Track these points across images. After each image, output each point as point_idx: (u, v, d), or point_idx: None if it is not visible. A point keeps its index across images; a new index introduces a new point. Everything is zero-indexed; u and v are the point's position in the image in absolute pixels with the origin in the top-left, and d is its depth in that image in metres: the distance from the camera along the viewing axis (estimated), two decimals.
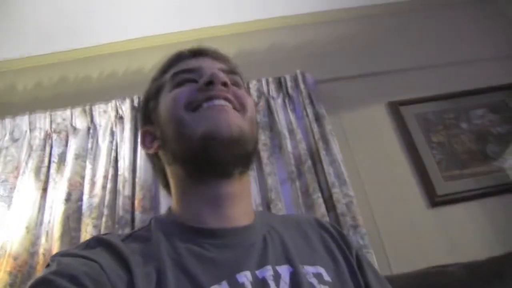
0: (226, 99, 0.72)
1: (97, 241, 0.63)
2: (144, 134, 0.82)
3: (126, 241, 0.65)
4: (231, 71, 0.81)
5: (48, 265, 0.58)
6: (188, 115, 0.71)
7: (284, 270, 0.64)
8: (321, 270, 0.68)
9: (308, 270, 0.66)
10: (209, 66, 0.78)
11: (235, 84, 0.79)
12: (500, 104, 2.09)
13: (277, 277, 0.62)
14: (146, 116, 0.83)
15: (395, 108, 2.06)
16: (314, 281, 0.64)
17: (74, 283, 0.52)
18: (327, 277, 0.67)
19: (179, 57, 0.83)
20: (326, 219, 1.64)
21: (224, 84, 0.73)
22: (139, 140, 1.85)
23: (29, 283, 0.54)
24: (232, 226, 0.70)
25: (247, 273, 0.61)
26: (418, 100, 2.09)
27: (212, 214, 0.70)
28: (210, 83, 0.72)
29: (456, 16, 2.50)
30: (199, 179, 0.72)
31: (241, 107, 0.74)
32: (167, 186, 0.81)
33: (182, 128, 0.70)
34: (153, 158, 0.84)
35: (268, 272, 0.62)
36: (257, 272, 0.62)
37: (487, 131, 2.00)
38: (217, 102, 0.71)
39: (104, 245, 0.62)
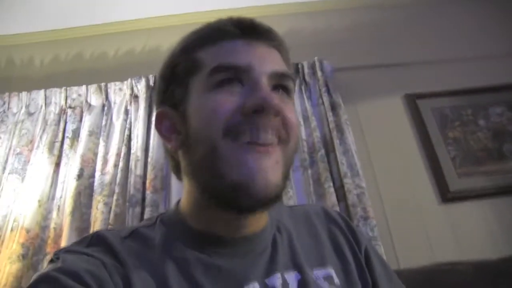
0: (273, 131, 0.60)
1: (99, 239, 0.61)
2: (161, 116, 0.68)
3: (129, 240, 0.62)
4: (285, 74, 0.65)
5: (51, 260, 0.57)
6: (225, 144, 0.58)
7: (291, 278, 0.62)
8: (331, 272, 0.66)
9: (318, 274, 0.65)
10: (260, 68, 0.61)
11: (286, 91, 0.65)
12: None
13: (285, 285, 0.61)
14: (166, 97, 0.68)
15: (412, 101, 2.04)
16: (325, 285, 0.64)
17: (77, 281, 0.51)
18: (336, 279, 0.66)
19: (223, 33, 0.65)
20: (336, 209, 1.63)
21: (276, 113, 0.59)
22: (153, 119, 1.86)
23: (33, 277, 0.54)
24: (243, 235, 0.64)
25: (256, 285, 0.60)
26: (436, 94, 2.06)
27: (225, 230, 0.63)
28: (260, 111, 0.58)
29: (480, 9, 2.43)
30: (222, 208, 0.61)
31: (286, 137, 0.61)
32: (178, 171, 0.70)
33: (214, 158, 0.58)
34: (170, 150, 0.71)
35: (277, 281, 0.61)
36: (266, 281, 0.61)
37: (505, 129, 1.97)
38: (263, 138, 0.58)
39: (106, 245, 0.60)
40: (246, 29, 0.65)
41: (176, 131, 0.66)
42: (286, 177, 0.62)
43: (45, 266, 0.57)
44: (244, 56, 0.62)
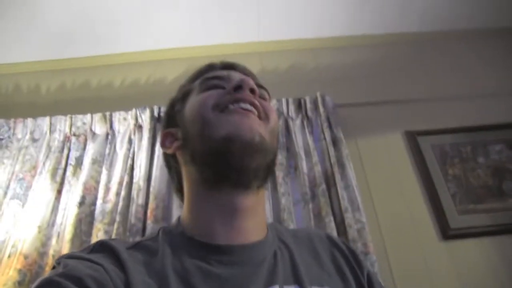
0: (252, 104, 0.73)
1: (102, 246, 0.63)
2: (166, 135, 0.82)
3: (132, 250, 0.65)
4: (258, 85, 0.82)
5: (53, 267, 0.58)
6: (214, 115, 0.71)
7: None
8: None
9: None
10: (238, 76, 0.80)
11: (261, 96, 0.80)
12: None
13: None
14: (170, 118, 0.84)
15: (412, 138, 2.06)
16: None
17: (79, 285, 0.52)
18: None
19: (209, 67, 0.86)
20: None
21: (252, 90, 0.75)
22: (158, 141, 1.89)
23: (35, 283, 0.54)
24: (242, 243, 0.67)
25: None
26: (436, 131, 2.08)
27: (223, 226, 0.68)
28: (238, 87, 0.74)
29: (481, 47, 2.50)
30: (215, 185, 0.69)
31: (265, 116, 0.74)
32: (180, 191, 0.80)
33: (206, 127, 0.70)
34: (170, 159, 0.84)
35: None
36: None
37: (504, 167, 1.98)
38: (243, 105, 0.72)
39: (108, 251, 0.62)
40: (226, 64, 0.86)
41: (176, 139, 0.79)
42: (273, 143, 0.74)
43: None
44: (225, 73, 0.82)
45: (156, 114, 2.02)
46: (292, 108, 2.04)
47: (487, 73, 2.37)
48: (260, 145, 0.68)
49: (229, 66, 0.86)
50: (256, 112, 0.73)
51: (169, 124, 0.84)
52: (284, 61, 2.38)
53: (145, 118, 2.00)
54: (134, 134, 1.98)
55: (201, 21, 2.29)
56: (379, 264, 1.61)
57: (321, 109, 2.01)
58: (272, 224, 0.80)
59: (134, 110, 2.03)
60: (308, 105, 2.04)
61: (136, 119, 2.02)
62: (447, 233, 1.79)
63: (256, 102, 0.74)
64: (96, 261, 0.58)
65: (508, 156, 2.02)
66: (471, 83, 2.31)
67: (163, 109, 2.01)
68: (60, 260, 0.59)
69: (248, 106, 0.72)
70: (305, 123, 2.00)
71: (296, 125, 2.00)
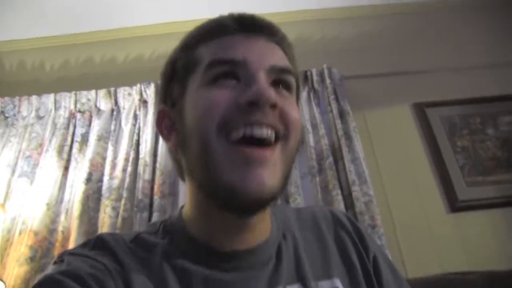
0: (269, 126, 0.57)
1: (103, 243, 0.61)
2: (162, 115, 0.68)
3: (131, 244, 0.62)
4: (285, 69, 0.63)
5: (55, 262, 0.57)
6: (219, 143, 0.56)
7: None
8: (338, 283, 0.64)
9: (323, 286, 0.63)
10: (257, 63, 0.59)
11: (286, 87, 0.63)
12: None
13: None
14: (166, 94, 0.68)
15: (420, 110, 2.04)
16: None
17: (81, 284, 0.52)
18: None
19: (222, 28, 0.64)
20: None
21: (272, 106, 0.57)
22: (155, 122, 1.87)
23: (38, 278, 0.54)
24: (246, 248, 0.62)
25: None
26: (445, 103, 2.06)
27: (228, 237, 0.62)
28: (254, 104, 0.56)
29: (487, 18, 2.43)
30: (221, 209, 0.59)
31: (285, 133, 0.59)
32: (181, 173, 0.69)
33: (208, 158, 0.57)
34: (171, 149, 0.69)
35: None
36: None
37: None
38: (257, 132, 0.56)
39: (108, 249, 0.60)
40: (245, 24, 0.64)
41: (175, 129, 0.65)
42: (285, 176, 0.60)
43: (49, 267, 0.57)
44: (241, 50, 0.60)
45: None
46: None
47: (494, 43, 2.31)
48: (270, 198, 0.57)
49: (249, 28, 0.64)
50: (273, 137, 0.57)
51: (165, 99, 0.68)
52: (289, 33, 2.32)
53: (149, 93, 1.99)
54: (139, 109, 1.97)
55: None
56: (386, 237, 1.62)
57: (328, 81, 1.98)
58: (276, 209, 0.74)
59: (138, 85, 2.01)
60: (315, 78, 2.02)
61: (141, 94, 2.00)
62: (455, 205, 1.79)
63: (275, 122, 0.58)
64: (98, 260, 0.57)
65: None
66: (480, 53, 2.26)
67: None
68: (63, 256, 0.58)
69: (263, 134, 0.56)
70: (311, 95, 1.98)
71: (302, 97, 1.97)
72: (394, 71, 2.17)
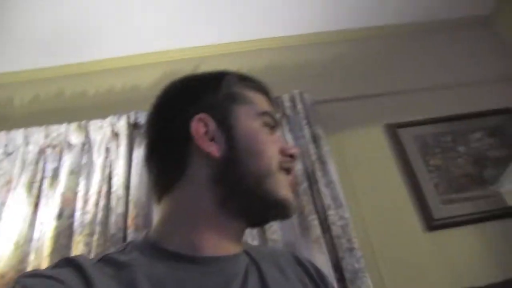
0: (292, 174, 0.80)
1: (66, 262, 0.59)
2: (203, 120, 0.72)
3: (98, 264, 0.61)
4: None
5: (12, 287, 0.54)
6: (277, 172, 0.73)
7: None
8: None
9: None
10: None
11: None
12: (498, 128, 2.09)
13: None
14: (201, 104, 0.74)
15: (392, 130, 2.06)
16: None
17: None
18: None
19: (261, 87, 0.81)
20: (321, 241, 1.62)
21: (296, 159, 0.80)
22: (136, 147, 1.85)
23: None
24: (219, 255, 0.67)
25: None
26: (416, 123, 2.09)
27: (210, 245, 0.67)
28: (293, 156, 0.77)
29: (454, 38, 2.51)
30: (232, 216, 0.71)
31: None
32: (164, 191, 0.73)
33: (268, 179, 0.71)
34: (188, 154, 0.71)
35: None
36: None
37: (485, 155, 2.00)
38: (291, 176, 0.78)
39: (73, 266, 0.58)
40: (265, 87, 0.82)
41: (218, 141, 0.71)
42: None
43: None
44: (274, 110, 0.80)
45: (132, 121, 1.98)
46: None
47: (461, 62, 2.38)
48: (290, 215, 0.75)
49: (264, 90, 0.82)
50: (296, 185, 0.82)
51: (198, 106, 0.74)
52: (261, 60, 2.36)
53: (121, 126, 1.96)
54: (111, 142, 1.94)
55: (174, 25, 2.26)
56: (365, 259, 1.60)
57: (299, 106, 1.99)
58: (247, 244, 0.81)
59: (109, 118, 1.99)
60: (286, 103, 2.02)
61: (112, 127, 1.97)
62: (431, 224, 1.79)
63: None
64: (57, 278, 0.54)
65: (488, 143, 2.03)
66: (447, 72, 2.32)
67: (140, 115, 1.98)
68: (20, 279, 0.54)
69: (295, 182, 0.81)
70: (283, 121, 1.98)
71: None
72: (365, 93, 2.20)
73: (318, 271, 0.81)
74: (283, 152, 0.74)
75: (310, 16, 2.40)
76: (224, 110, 0.73)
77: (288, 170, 0.75)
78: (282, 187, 0.71)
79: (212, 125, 0.71)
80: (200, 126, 0.71)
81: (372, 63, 2.37)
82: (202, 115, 0.72)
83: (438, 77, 2.30)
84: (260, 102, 0.78)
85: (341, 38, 2.49)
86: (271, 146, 0.73)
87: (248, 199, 0.70)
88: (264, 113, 0.76)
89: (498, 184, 1.89)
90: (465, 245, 1.76)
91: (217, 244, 0.68)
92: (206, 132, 0.71)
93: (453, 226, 1.80)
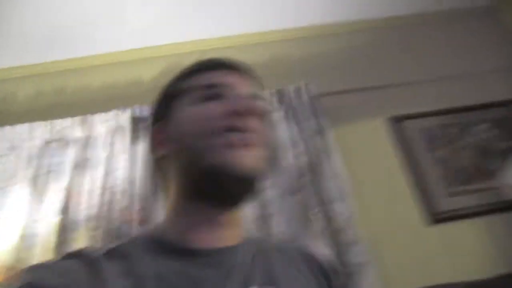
0: (249, 131, 0.68)
1: (74, 253, 0.61)
2: (156, 132, 0.78)
3: (105, 256, 0.62)
4: (256, 94, 0.77)
5: (20, 278, 0.55)
6: (209, 141, 0.67)
7: None
8: None
9: None
10: (237, 86, 0.74)
11: (260, 111, 0.75)
12: (504, 119, 2.07)
13: None
14: (159, 116, 0.79)
15: (397, 123, 2.05)
16: None
17: None
18: None
19: (203, 67, 0.78)
20: (325, 234, 1.62)
21: (251, 113, 0.69)
22: (141, 141, 1.86)
23: None
24: (219, 246, 0.68)
25: None
26: (421, 115, 2.07)
27: (204, 234, 0.68)
28: (236, 112, 0.69)
29: (459, 29, 2.48)
30: (204, 201, 0.69)
31: (258, 142, 0.70)
32: (164, 185, 0.79)
33: (201, 151, 0.67)
34: (159, 161, 0.78)
35: None
36: None
37: (491, 146, 1.98)
38: (240, 136, 0.67)
39: (80, 257, 0.60)
40: (225, 63, 0.79)
41: (168, 141, 0.74)
42: (262, 170, 0.70)
43: None
44: (226, 78, 0.74)
45: (136, 114, 1.98)
46: (275, 99, 2.00)
47: (467, 53, 2.36)
48: (252, 178, 0.67)
49: (226, 66, 0.78)
50: (252, 141, 0.68)
51: (158, 122, 0.79)
52: (265, 53, 2.34)
53: (124, 120, 1.96)
54: (115, 136, 1.94)
55: (176, 17, 2.24)
56: (369, 252, 1.59)
57: (305, 98, 1.98)
58: (249, 233, 0.80)
59: (113, 111, 1.99)
60: (292, 95, 2.01)
61: (116, 121, 1.97)
62: (436, 216, 1.78)
63: (253, 128, 0.69)
64: (67, 268, 0.56)
65: (494, 135, 2.01)
66: (453, 64, 2.30)
67: (143, 109, 1.98)
68: (28, 270, 0.55)
69: (246, 137, 0.68)
70: (289, 113, 1.97)
71: (280, 115, 1.96)
72: (370, 85, 2.18)
73: (321, 267, 0.80)
74: (226, 113, 0.69)
75: (314, 8, 2.37)
76: (165, 113, 0.77)
77: (238, 129, 0.67)
78: (216, 155, 0.65)
79: (164, 130, 0.76)
80: (155, 138, 0.78)
81: (377, 54, 2.35)
82: (154, 129, 0.79)
83: (443, 68, 2.28)
84: (200, 80, 0.75)
85: (344, 30, 2.46)
86: (207, 115, 0.69)
87: (201, 179, 0.67)
88: (203, 87, 0.73)
89: (503, 176, 1.88)
90: (469, 238, 1.75)
91: (212, 235, 0.68)
92: (161, 139, 0.76)
93: (458, 218, 1.79)
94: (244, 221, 0.83)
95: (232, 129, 0.67)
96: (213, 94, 0.72)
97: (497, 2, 2.56)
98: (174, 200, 0.72)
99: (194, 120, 0.70)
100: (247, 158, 0.66)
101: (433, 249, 1.72)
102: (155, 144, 0.77)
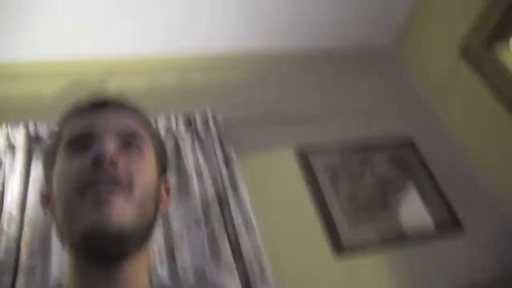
0: (113, 181, 0.65)
1: None
2: (47, 197, 0.77)
3: None
4: (131, 133, 0.74)
5: None
6: (75, 201, 0.64)
7: None
8: None
9: None
10: (102, 131, 0.71)
11: (136, 148, 0.73)
12: (399, 160, 2.22)
13: None
14: (46, 174, 0.79)
15: (303, 155, 2.10)
16: None
17: None
18: None
19: (77, 111, 0.78)
20: (233, 267, 1.60)
21: (111, 162, 0.66)
22: (33, 163, 1.69)
23: None
24: None
25: None
26: (326, 149, 2.15)
27: None
28: (95, 163, 0.65)
29: (361, 67, 2.65)
30: (89, 265, 0.66)
31: (128, 183, 0.67)
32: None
33: (68, 215, 0.66)
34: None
35: None
36: None
37: (388, 182, 2.11)
38: (103, 188, 0.64)
39: None
40: (96, 104, 0.78)
41: (50, 202, 0.74)
42: (142, 220, 0.67)
43: None
44: (91, 124, 0.73)
45: (32, 132, 1.80)
46: (181, 124, 1.95)
47: (369, 90, 2.52)
48: (123, 235, 0.63)
49: (100, 105, 0.77)
50: (118, 187, 0.65)
51: (45, 174, 0.79)
52: (174, 77, 2.28)
53: (18, 137, 1.77)
54: (5, 155, 1.75)
55: (80, 34, 2.11)
56: (276, 286, 1.60)
57: (212, 127, 1.95)
58: (159, 283, 0.82)
59: (5, 127, 1.79)
60: (199, 122, 1.97)
61: (8, 138, 1.78)
62: (340, 249, 1.84)
63: (118, 175, 0.66)
64: None
65: (391, 172, 2.16)
66: (357, 100, 2.45)
67: (39, 127, 1.81)
68: None
69: (107, 188, 0.64)
70: (195, 142, 1.93)
71: (186, 143, 1.91)
72: (279, 116, 2.22)
73: None
74: (85, 171, 0.66)
75: (223, 33, 2.39)
76: (51, 163, 0.76)
77: (101, 182, 0.65)
78: (82, 214, 0.63)
79: (47, 187, 0.77)
80: (42, 196, 0.79)
81: (286, 85, 2.41)
82: (45, 193, 0.78)
83: (347, 103, 2.41)
84: (68, 131, 0.75)
85: (255, 59, 2.49)
86: (73, 171, 0.68)
87: (77, 242, 0.65)
88: (68, 143, 0.73)
89: (397, 211, 2.02)
90: (373, 271, 1.81)
91: None
92: (46, 197, 0.77)
93: (361, 251, 1.86)
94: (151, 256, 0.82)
95: (96, 182, 0.64)
96: (79, 145, 0.71)
97: (394, 43, 2.79)
98: (68, 264, 0.71)
99: (63, 178, 0.70)
100: (116, 213, 0.63)
101: (338, 281, 1.76)
102: (42, 202, 0.78)
